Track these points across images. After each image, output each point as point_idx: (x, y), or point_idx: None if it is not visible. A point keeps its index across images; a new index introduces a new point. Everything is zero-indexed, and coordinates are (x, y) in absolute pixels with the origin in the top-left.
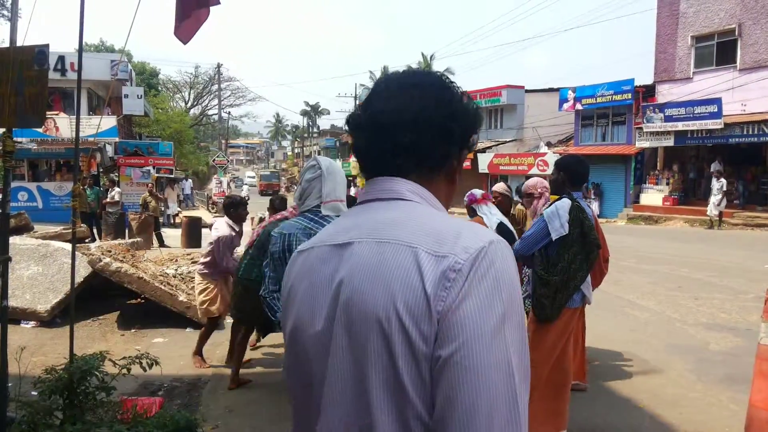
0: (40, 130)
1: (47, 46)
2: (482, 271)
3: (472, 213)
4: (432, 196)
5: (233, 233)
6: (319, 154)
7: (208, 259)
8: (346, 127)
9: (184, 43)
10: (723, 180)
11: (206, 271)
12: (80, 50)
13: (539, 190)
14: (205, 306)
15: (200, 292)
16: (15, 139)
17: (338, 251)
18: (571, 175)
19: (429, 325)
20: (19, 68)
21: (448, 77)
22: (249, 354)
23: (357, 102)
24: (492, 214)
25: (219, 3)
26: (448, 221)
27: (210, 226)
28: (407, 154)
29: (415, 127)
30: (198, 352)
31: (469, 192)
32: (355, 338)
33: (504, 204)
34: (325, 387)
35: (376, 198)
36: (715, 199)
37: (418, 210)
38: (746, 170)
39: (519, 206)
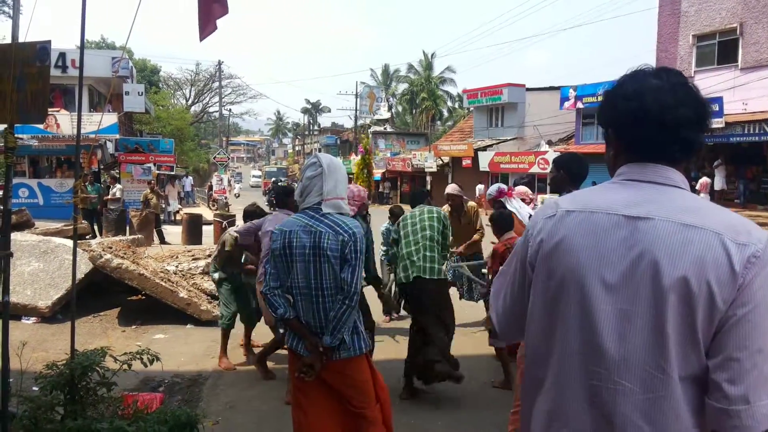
0: (41, 126)
1: (49, 42)
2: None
3: (499, 206)
4: (687, 182)
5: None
6: (320, 151)
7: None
8: (602, 116)
9: (201, 39)
10: (706, 179)
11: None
12: (82, 47)
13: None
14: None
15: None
16: (16, 135)
17: (633, 222)
18: (571, 173)
19: (731, 292)
20: (21, 65)
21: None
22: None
23: (358, 99)
24: (522, 208)
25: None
26: (730, 213)
27: (224, 225)
28: (683, 146)
29: (695, 125)
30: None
31: (498, 186)
32: (659, 294)
33: (456, 203)
34: (621, 323)
35: (652, 181)
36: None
37: (696, 199)
38: (747, 169)
39: (471, 203)
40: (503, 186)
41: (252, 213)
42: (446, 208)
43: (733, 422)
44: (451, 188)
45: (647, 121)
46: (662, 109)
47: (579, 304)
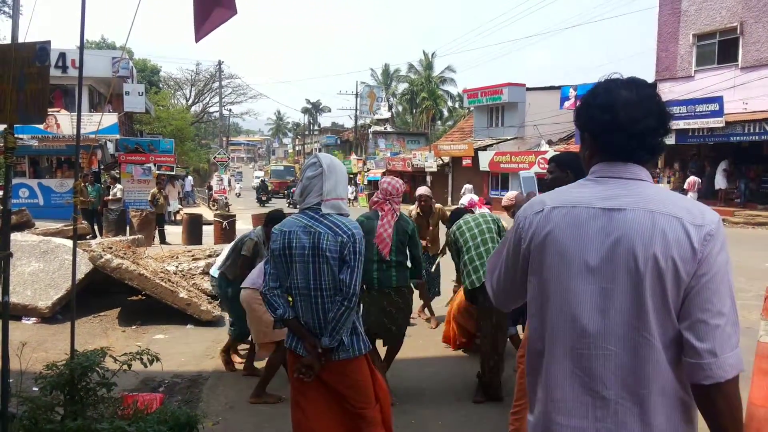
0: (41, 126)
1: (49, 42)
2: (720, 234)
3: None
4: (650, 176)
5: None
6: (320, 151)
7: None
8: (578, 121)
9: (196, 41)
10: (694, 177)
11: None
12: (81, 47)
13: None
14: None
15: None
16: (16, 135)
17: (608, 213)
18: (577, 173)
19: (693, 265)
20: (21, 65)
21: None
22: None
23: (358, 99)
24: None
25: (236, 13)
26: (687, 199)
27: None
28: (648, 150)
29: (657, 131)
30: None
31: (471, 198)
32: (634, 273)
33: (427, 204)
34: (602, 299)
35: (621, 177)
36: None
37: (658, 189)
38: (747, 169)
39: (438, 205)
40: (474, 198)
41: (277, 219)
42: (415, 208)
43: (705, 373)
44: (424, 190)
45: (618, 130)
46: (631, 120)
47: (566, 284)
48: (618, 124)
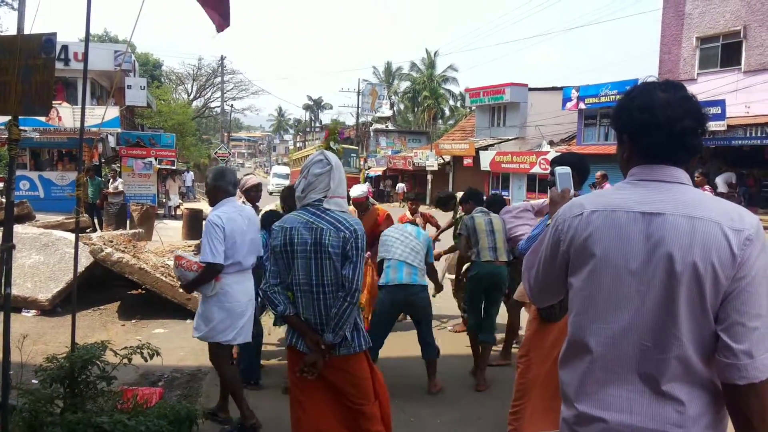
0: (42, 119)
1: (54, 34)
2: (759, 238)
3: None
4: (689, 178)
5: None
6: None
7: None
8: (616, 123)
9: (219, 30)
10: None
11: None
12: (87, 40)
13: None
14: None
15: None
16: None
17: (647, 217)
18: (581, 174)
19: (732, 270)
20: (26, 56)
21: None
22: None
23: (360, 97)
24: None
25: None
26: (725, 203)
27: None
28: (688, 150)
29: (695, 131)
30: None
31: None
32: (673, 276)
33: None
34: (640, 300)
35: (660, 180)
36: None
37: (696, 193)
38: (748, 172)
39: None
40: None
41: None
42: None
43: (740, 374)
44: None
45: (658, 131)
46: (670, 120)
47: (607, 287)
48: (657, 124)
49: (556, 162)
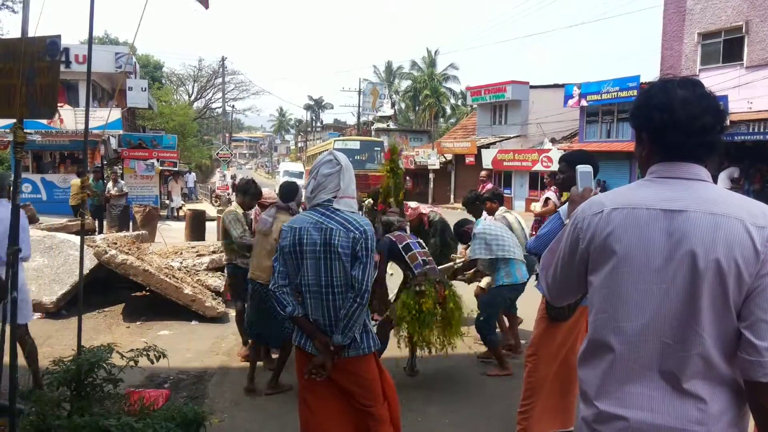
0: (44, 121)
1: (59, 37)
2: None
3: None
4: (710, 175)
5: None
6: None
7: None
8: (635, 122)
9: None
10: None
11: None
12: (90, 42)
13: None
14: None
15: None
16: None
17: (669, 215)
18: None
19: (755, 266)
20: (31, 59)
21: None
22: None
23: (361, 96)
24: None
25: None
26: (747, 200)
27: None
28: (708, 147)
29: (715, 128)
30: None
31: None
32: (695, 273)
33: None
34: (663, 297)
35: (681, 177)
36: None
37: (718, 190)
38: (751, 168)
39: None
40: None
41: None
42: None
43: (764, 371)
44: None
45: (677, 129)
46: (690, 118)
47: (629, 284)
48: (676, 122)
49: (565, 160)
